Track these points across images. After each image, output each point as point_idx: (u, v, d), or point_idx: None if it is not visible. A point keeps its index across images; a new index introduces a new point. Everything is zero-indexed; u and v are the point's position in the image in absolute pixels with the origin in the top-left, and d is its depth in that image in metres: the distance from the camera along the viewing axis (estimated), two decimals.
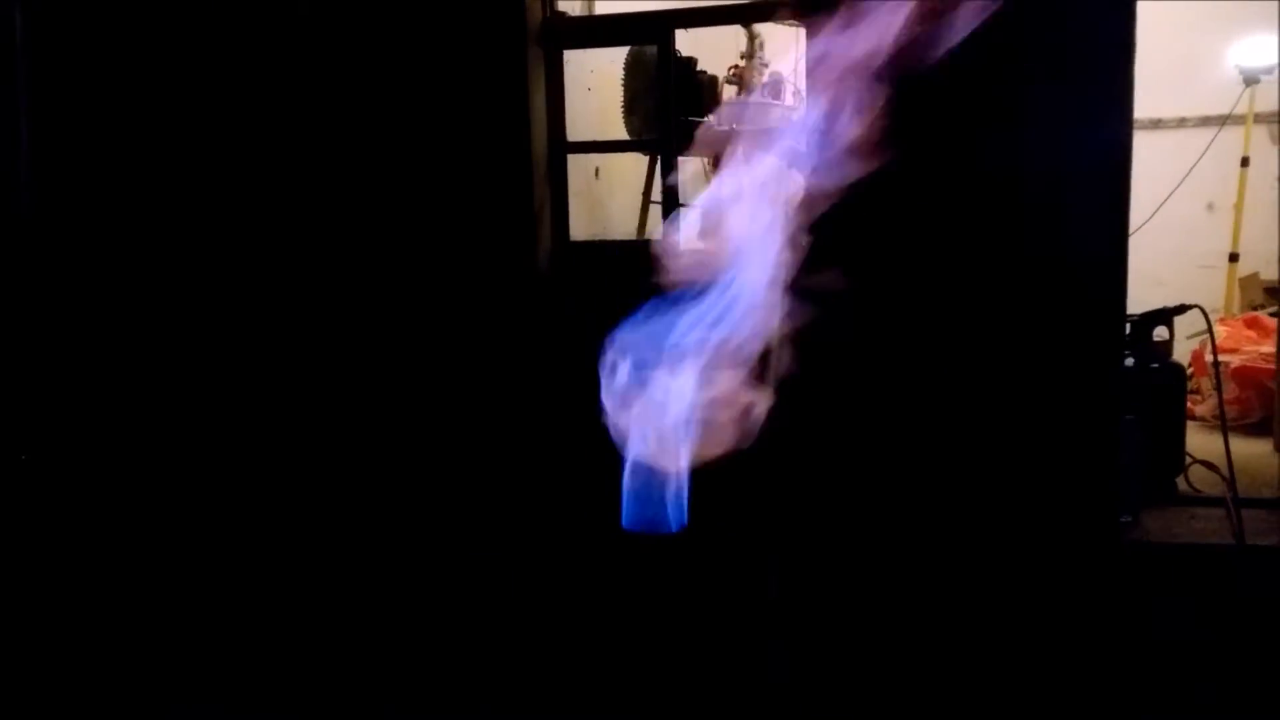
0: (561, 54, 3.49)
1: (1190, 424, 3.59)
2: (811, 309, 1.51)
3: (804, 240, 1.43)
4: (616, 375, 1.02)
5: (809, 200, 1.50)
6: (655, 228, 4.44)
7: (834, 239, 1.76)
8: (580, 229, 3.81)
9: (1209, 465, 3.38)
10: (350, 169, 3.40)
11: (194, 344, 3.50)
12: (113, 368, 3.53)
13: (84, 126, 3.49)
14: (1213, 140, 5.53)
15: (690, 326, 1.01)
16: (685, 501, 0.98)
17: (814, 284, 1.43)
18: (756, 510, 2.86)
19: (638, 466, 0.98)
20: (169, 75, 3.46)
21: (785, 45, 5.06)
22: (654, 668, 2.77)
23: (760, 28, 4.78)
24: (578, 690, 2.93)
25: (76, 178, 3.50)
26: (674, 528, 0.98)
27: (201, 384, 3.51)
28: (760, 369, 1.10)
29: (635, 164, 4.82)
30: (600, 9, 4.89)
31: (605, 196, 4.98)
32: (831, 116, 1.49)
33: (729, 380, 1.04)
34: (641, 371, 1.02)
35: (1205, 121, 5.86)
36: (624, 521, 0.99)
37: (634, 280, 3.70)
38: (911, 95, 2.76)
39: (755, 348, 1.07)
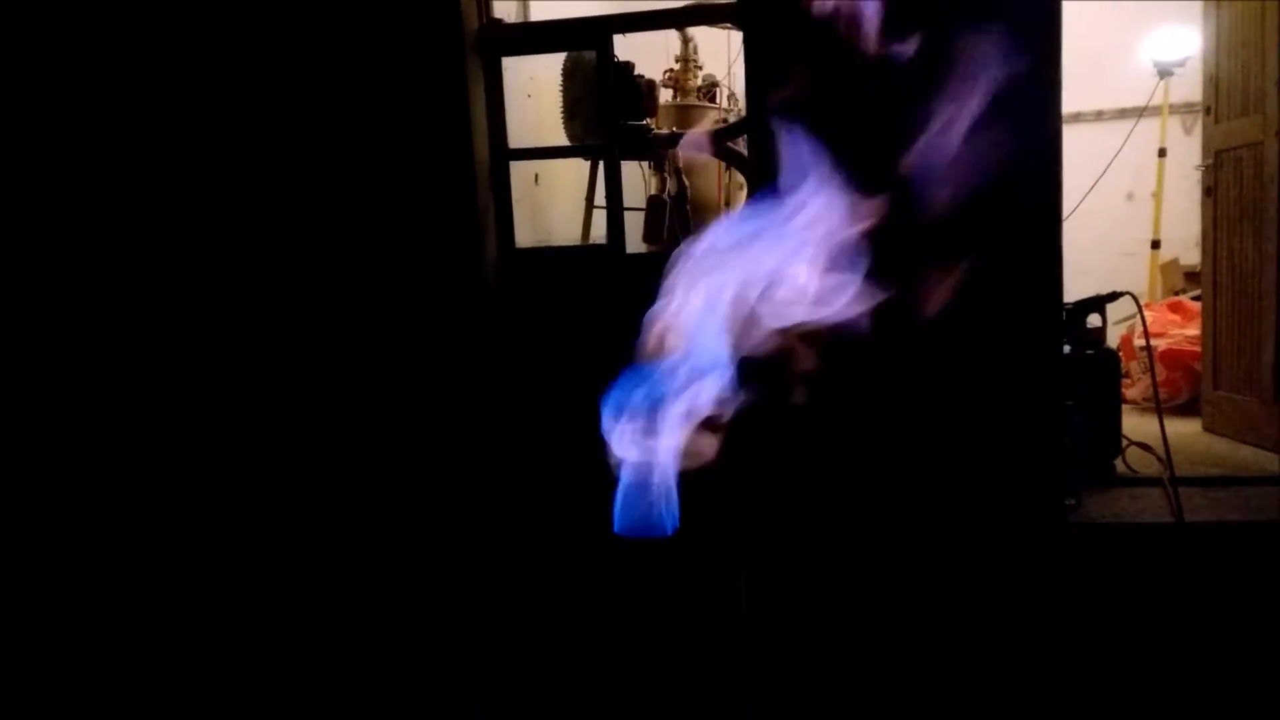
0: (500, 61, 3.48)
1: (1124, 407, 3.71)
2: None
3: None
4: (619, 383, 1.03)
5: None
6: (598, 232, 4.45)
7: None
8: (523, 235, 3.81)
9: (1145, 447, 3.50)
10: (292, 180, 3.34)
11: (129, 350, 3.41)
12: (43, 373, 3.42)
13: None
14: (1131, 132, 5.73)
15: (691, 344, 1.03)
16: (676, 506, 1.00)
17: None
18: (727, 507, 2.88)
19: (633, 470, 0.99)
20: (116, 85, 3.37)
21: (718, 47, 5.12)
22: (640, 671, 2.77)
23: (693, 31, 4.83)
24: (565, 692, 2.92)
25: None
26: (668, 531, 0.99)
27: (137, 389, 3.41)
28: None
29: (574, 169, 4.82)
30: (535, 14, 4.89)
31: (546, 202, 4.97)
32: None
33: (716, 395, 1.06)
34: (641, 380, 1.03)
35: (1122, 114, 6.07)
36: (616, 526, 1.00)
37: (580, 286, 3.72)
38: (845, 88, 2.82)
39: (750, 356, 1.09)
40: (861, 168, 1.52)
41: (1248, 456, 3.63)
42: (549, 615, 3.13)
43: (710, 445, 1.14)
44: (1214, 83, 3.92)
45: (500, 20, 3.53)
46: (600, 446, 1.26)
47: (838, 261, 1.22)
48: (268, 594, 3.31)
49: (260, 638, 3.23)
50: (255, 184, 3.35)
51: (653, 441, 1.04)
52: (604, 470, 1.19)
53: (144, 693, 3.07)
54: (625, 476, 1.01)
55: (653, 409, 1.06)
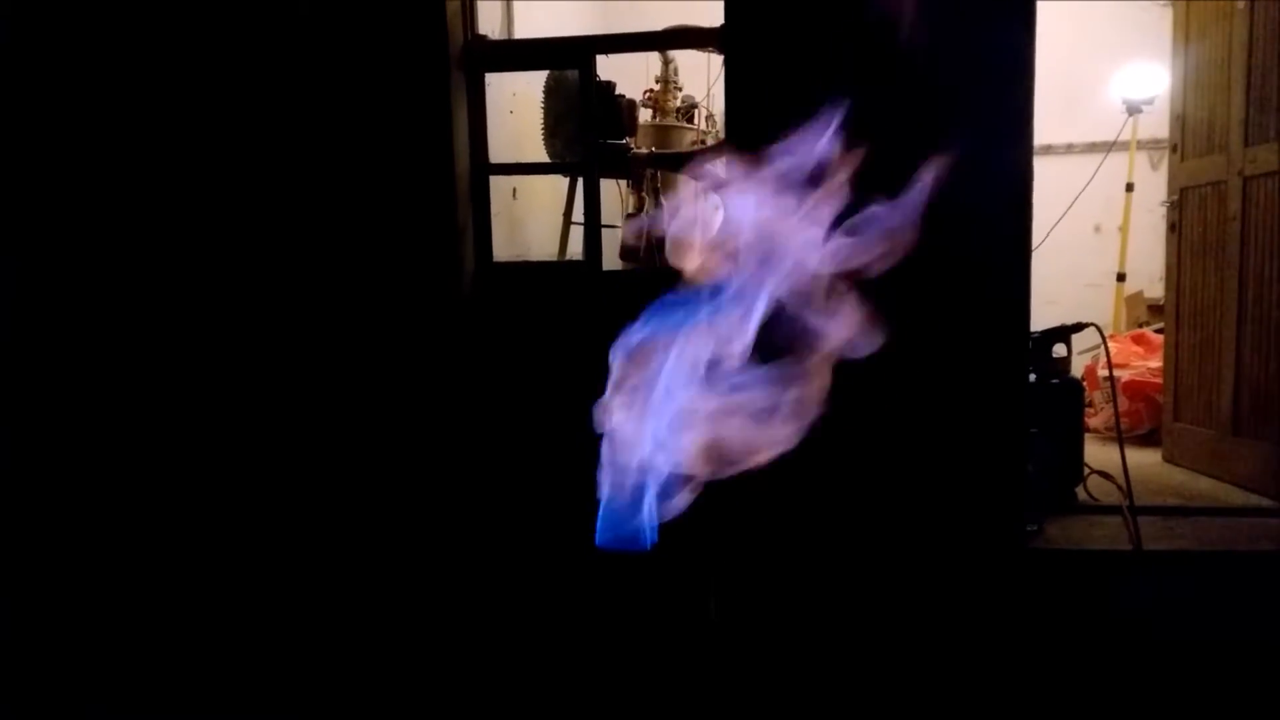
0: (483, 77, 3.51)
1: (1087, 436, 3.79)
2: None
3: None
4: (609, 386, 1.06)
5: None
6: (576, 249, 4.49)
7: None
8: (501, 249, 3.83)
9: (1106, 475, 3.57)
10: (275, 189, 3.35)
11: (100, 357, 3.40)
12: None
13: None
14: (1099, 166, 5.85)
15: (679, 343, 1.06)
16: (656, 519, 1.02)
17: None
18: (698, 529, 2.90)
19: (615, 482, 1.02)
20: (97, 96, 3.37)
21: (698, 70, 5.18)
22: (613, 677, 2.79)
23: (674, 52, 4.88)
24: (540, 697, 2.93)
25: None
26: (646, 545, 1.01)
27: (106, 395, 3.40)
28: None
29: (553, 184, 4.86)
30: (519, 20, 4.94)
31: (524, 217, 5.00)
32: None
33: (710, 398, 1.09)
34: (626, 383, 1.05)
35: (1092, 148, 6.19)
36: (598, 539, 1.02)
37: (557, 301, 3.75)
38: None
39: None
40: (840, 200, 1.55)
41: (1205, 487, 3.71)
42: (522, 625, 3.14)
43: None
44: (1181, 121, 4.03)
45: (485, 37, 3.57)
46: (574, 460, 1.28)
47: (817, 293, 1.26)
48: (236, 594, 3.30)
49: (227, 636, 3.21)
50: (237, 192, 3.36)
51: (635, 456, 1.07)
52: (579, 484, 1.21)
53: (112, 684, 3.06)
54: (608, 490, 1.04)
55: (636, 424, 1.08)
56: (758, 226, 1.28)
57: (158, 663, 3.15)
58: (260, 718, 2.99)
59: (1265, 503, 3.44)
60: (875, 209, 1.23)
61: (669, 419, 1.03)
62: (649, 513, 1.01)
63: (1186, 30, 3.96)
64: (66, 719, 2.98)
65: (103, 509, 3.36)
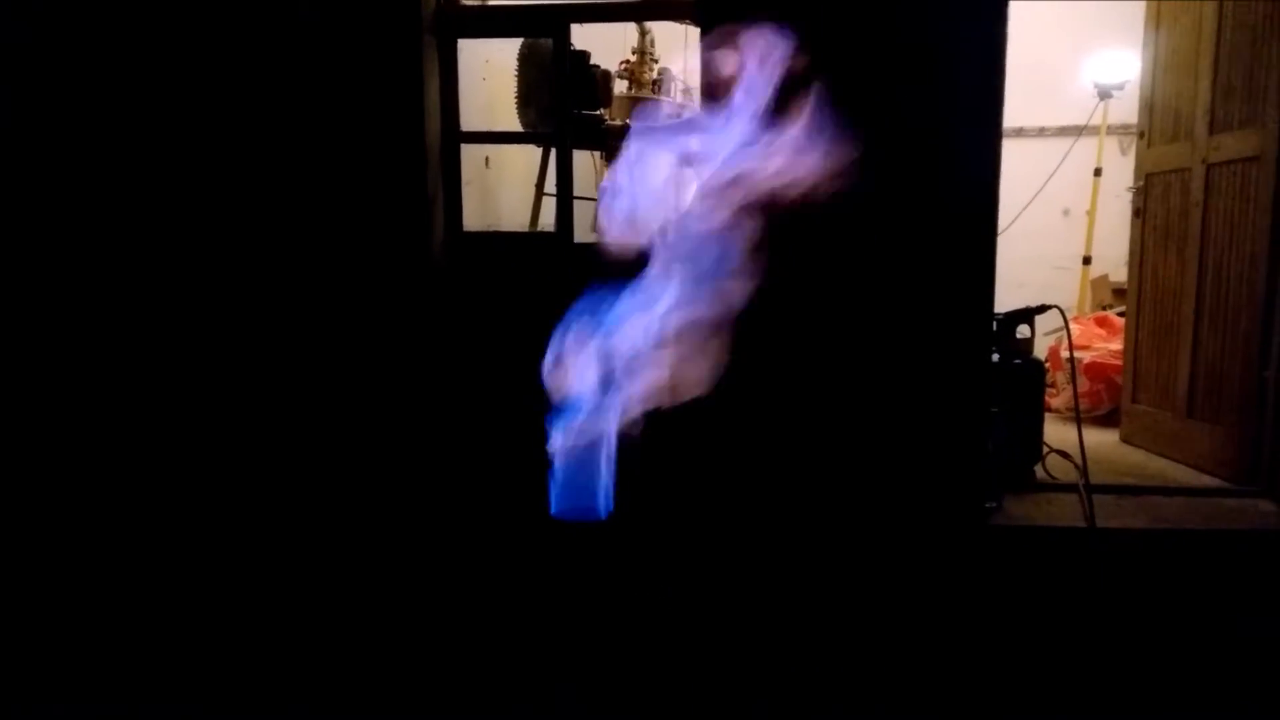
0: (455, 43, 3.48)
1: (1047, 415, 3.85)
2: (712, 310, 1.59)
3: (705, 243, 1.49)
4: (556, 360, 1.07)
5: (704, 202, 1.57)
6: (547, 220, 4.48)
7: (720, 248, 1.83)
8: (472, 219, 3.82)
9: (1064, 454, 3.64)
10: (240, 158, 3.32)
11: (59, 342, 3.37)
12: None
13: None
14: (1069, 150, 5.90)
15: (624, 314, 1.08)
16: (612, 488, 1.04)
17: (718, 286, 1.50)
18: (659, 495, 2.93)
19: (569, 453, 1.03)
20: (51, 69, 3.31)
21: (675, 42, 5.16)
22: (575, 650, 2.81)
23: (651, 24, 4.86)
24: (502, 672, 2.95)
25: None
26: (602, 514, 1.03)
27: (68, 379, 3.37)
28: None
29: (525, 153, 4.84)
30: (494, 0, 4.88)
31: (496, 186, 4.98)
32: (727, 122, 1.57)
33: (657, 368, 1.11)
34: (577, 355, 1.07)
35: (1063, 132, 6.24)
36: (553, 509, 1.04)
37: (528, 272, 3.74)
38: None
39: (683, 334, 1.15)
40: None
41: (1160, 467, 3.79)
42: (487, 593, 3.16)
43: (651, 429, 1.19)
44: (1149, 108, 4.07)
45: (458, 2, 3.54)
46: (541, 430, 1.30)
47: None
48: (194, 575, 3.29)
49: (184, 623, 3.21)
50: (200, 162, 3.32)
51: (590, 426, 1.09)
52: (544, 454, 1.23)
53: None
54: (562, 460, 1.06)
55: (591, 393, 1.10)
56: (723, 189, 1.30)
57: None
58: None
59: (1217, 483, 3.52)
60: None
61: (621, 365, 1.05)
62: (605, 481, 1.03)
63: (1157, 17, 4.00)
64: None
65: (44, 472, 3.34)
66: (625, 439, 1.10)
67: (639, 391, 1.20)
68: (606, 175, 4.69)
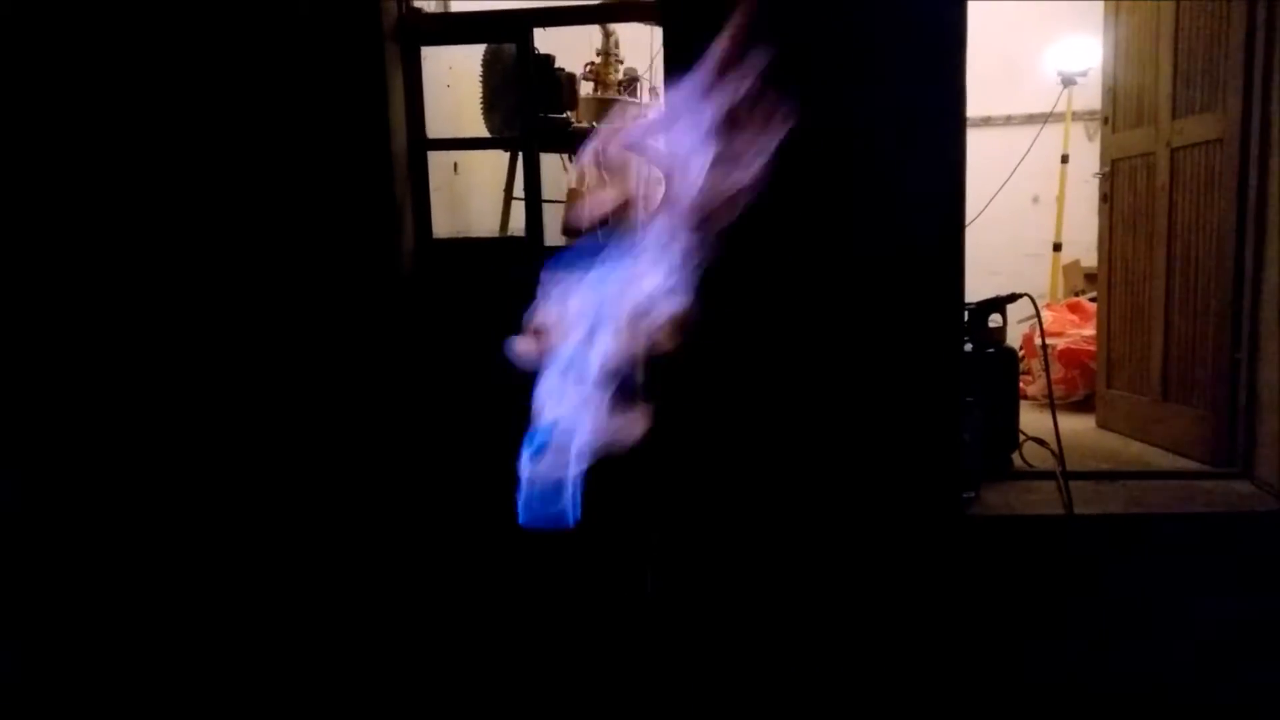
0: (419, 51, 3.46)
1: (1023, 403, 3.86)
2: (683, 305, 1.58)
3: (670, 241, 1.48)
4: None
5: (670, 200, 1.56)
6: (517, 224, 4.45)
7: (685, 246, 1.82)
8: (441, 226, 3.79)
9: (1040, 442, 3.65)
10: (208, 169, 3.28)
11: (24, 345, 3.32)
12: None
13: None
14: (1036, 138, 5.93)
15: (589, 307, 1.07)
16: (579, 497, 1.03)
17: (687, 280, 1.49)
18: (634, 501, 2.92)
19: (536, 462, 1.02)
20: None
21: (640, 43, 5.14)
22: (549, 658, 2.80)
23: (615, 26, 4.84)
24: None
25: None
26: (570, 523, 1.02)
27: (33, 383, 3.33)
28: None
29: (494, 159, 4.81)
30: (456, 6, 4.86)
31: (465, 192, 4.95)
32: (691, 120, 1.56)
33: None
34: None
35: (1029, 119, 6.27)
36: (521, 518, 1.03)
37: (499, 277, 3.71)
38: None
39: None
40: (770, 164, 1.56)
41: (1136, 452, 3.81)
42: (454, 602, 3.15)
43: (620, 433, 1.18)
44: (1112, 94, 4.10)
45: (420, 9, 3.51)
46: (510, 439, 1.29)
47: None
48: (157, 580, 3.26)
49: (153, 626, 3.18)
50: (163, 171, 3.28)
51: (556, 435, 1.07)
52: (513, 463, 1.22)
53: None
54: (529, 470, 1.04)
55: (556, 405, 1.09)
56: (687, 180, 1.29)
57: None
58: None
59: (1194, 466, 3.54)
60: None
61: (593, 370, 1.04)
62: (571, 491, 1.01)
63: (1117, 3, 4.03)
64: None
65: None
66: (593, 445, 1.09)
67: (609, 395, 1.18)
68: (573, 178, 4.67)
